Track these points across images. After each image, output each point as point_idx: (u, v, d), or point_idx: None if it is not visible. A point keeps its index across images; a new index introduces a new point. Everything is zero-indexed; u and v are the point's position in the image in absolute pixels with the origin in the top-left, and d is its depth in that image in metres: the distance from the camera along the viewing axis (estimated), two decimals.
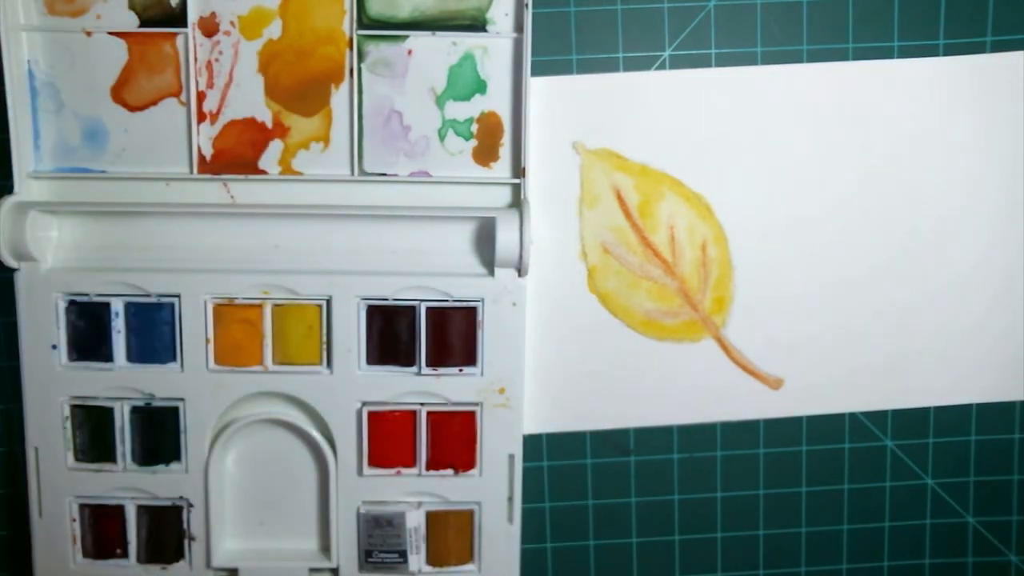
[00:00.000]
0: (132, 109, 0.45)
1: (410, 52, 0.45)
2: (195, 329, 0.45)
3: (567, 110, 0.47)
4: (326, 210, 0.46)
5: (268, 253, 0.46)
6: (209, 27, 0.45)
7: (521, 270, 0.45)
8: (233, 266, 0.46)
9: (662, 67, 0.47)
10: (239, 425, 0.46)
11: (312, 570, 0.47)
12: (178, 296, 0.45)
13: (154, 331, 0.45)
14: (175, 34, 0.45)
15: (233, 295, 0.45)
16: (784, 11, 0.47)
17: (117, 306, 0.45)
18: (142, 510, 0.47)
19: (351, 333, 0.45)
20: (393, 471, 0.46)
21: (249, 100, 0.45)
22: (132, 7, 0.45)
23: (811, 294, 0.49)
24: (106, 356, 0.45)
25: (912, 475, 0.51)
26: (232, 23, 0.45)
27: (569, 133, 0.47)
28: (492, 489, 0.47)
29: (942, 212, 0.49)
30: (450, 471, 0.47)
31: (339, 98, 0.46)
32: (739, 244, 0.48)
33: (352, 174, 0.46)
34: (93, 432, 0.46)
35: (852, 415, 0.50)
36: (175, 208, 0.45)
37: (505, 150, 0.46)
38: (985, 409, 0.50)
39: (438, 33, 0.45)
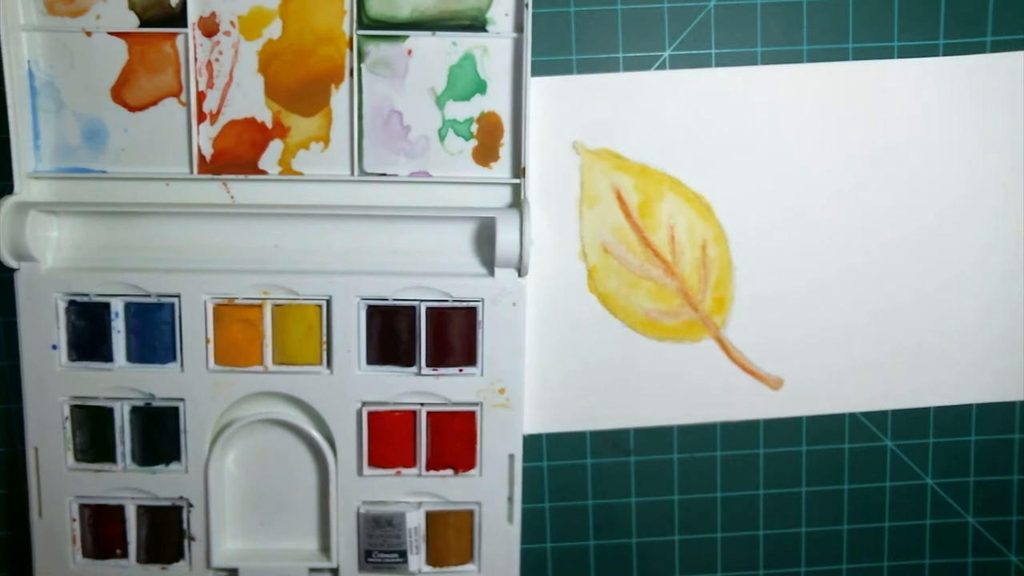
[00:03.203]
0: (132, 109, 0.45)
1: (410, 52, 0.45)
2: (195, 329, 0.45)
3: (567, 110, 0.47)
4: (326, 210, 0.46)
5: (268, 253, 0.46)
6: (209, 27, 0.45)
7: (521, 270, 0.45)
8: (233, 266, 0.46)
9: (662, 67, 0.47)
10: (239, 425, 0.46)
11: (312, 570, 0.47)
12: (178, 296, 0.45)
13: (154, 331, 0.45)
14: (175, 34, 0.45)
15: (233, 295, 0.45)
16: (784, 11, 0.47)
17: (117, 306, 0.45)
18: (142, 510, 0.47)
19: (351, 333, 0.45)
20: (393, 471, 0.46)
21: (249, 100, 0.45)
22: (132, 7, 0.45)
23: (811, 294, 0.49)
24: (106, 356, 0.45)
25: (912, 475, 0.51)
26: (232, 23, 0.45)
27: (569, 133, 0.47)
28: (492, 489, 0.47)
29: (942, 212, 0.48)
30: (450, 471, 0.46)
31: (339, 98, 0.46)
32: (739, 244, 0.48)
33: (352, 174, 0.46)
34: (93, 432, 0.46)
35: (852, 415, 0.50)
36: (175, 208, 0.45)
37: (505, 150, 0.46)
38: (985, 409, 0.50)
39: (438, 33, 0.45)
